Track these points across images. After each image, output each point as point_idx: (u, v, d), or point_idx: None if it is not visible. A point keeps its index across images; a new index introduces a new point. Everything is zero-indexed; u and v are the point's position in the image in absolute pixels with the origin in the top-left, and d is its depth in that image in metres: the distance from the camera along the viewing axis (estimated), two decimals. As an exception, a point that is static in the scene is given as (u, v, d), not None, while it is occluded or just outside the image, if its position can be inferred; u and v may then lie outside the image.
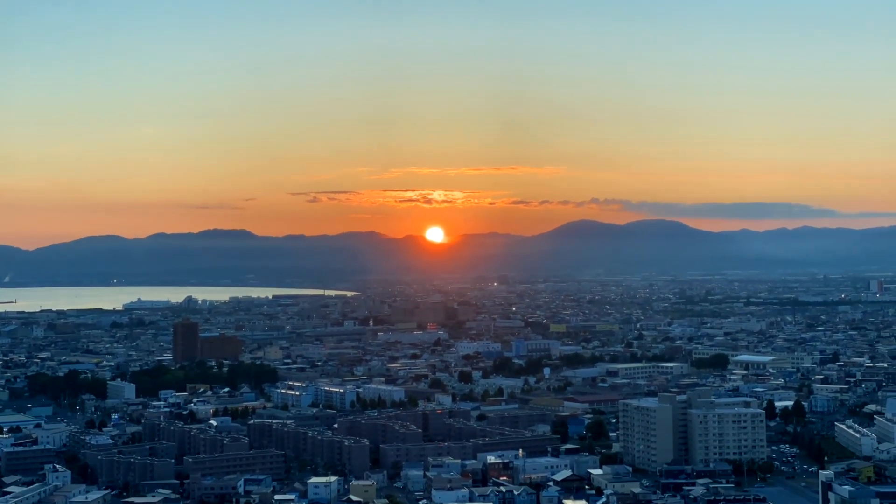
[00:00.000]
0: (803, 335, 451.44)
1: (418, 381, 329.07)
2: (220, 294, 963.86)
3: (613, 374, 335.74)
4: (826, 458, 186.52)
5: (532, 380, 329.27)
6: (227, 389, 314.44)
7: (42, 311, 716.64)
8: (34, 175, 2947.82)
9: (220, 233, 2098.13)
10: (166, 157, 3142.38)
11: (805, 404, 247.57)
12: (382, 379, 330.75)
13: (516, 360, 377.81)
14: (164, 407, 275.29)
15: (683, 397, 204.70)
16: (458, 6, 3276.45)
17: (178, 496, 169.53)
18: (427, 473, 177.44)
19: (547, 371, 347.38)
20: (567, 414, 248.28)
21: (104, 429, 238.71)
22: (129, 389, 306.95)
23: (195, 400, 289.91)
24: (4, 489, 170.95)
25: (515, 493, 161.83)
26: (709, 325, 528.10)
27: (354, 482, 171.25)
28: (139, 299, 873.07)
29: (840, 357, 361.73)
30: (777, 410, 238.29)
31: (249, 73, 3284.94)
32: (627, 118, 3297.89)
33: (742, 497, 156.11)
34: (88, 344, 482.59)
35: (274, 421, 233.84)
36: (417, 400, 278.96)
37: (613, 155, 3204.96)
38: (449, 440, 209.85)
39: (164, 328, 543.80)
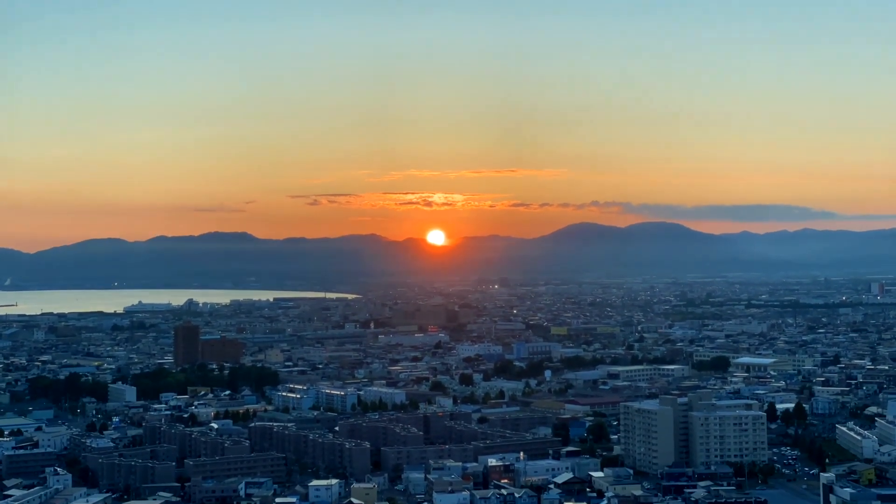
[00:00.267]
0: (804, 337, 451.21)
1: (419, 383, 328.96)
2: (220, 297, 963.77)
3: (614, 376, 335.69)
4: (827, 460, 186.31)
5: (533, 382, 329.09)
6: (227, 392, 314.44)
7: (43, 314, 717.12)
8: (35, 178, 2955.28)
9: (220, 235, 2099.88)
10: (167, 160, 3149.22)
11: (806, 406, 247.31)
12: (383, 381, 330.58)
13: (517, 363, 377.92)
14: (165, 410, 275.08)
15: (684, 399, 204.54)
16: (458, 9, 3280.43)
17: (178, 499, 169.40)
18: (428, 476, 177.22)
19: (548, 373, 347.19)
20: (568, 416, 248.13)
21: (105, 432, 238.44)
22: (129, 392, 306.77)
23: (196, 403, 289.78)
24: (5, 492, 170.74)
25: (517, 495, 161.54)
26: (710, 327, 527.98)
27: (355, 485, 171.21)
28: (140, 302, 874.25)
29: (841, 359, 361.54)
30: (778, 413, 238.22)
31: (250, 76, 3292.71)
32: (628, 121, 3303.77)
33: (743, 499, 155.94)
34: (89, 347, 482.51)
35: (275, 424, 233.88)
36: (418, 402, 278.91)
37: (614, 157, 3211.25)
38: (450, 443, 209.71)
39: (165, 331, 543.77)
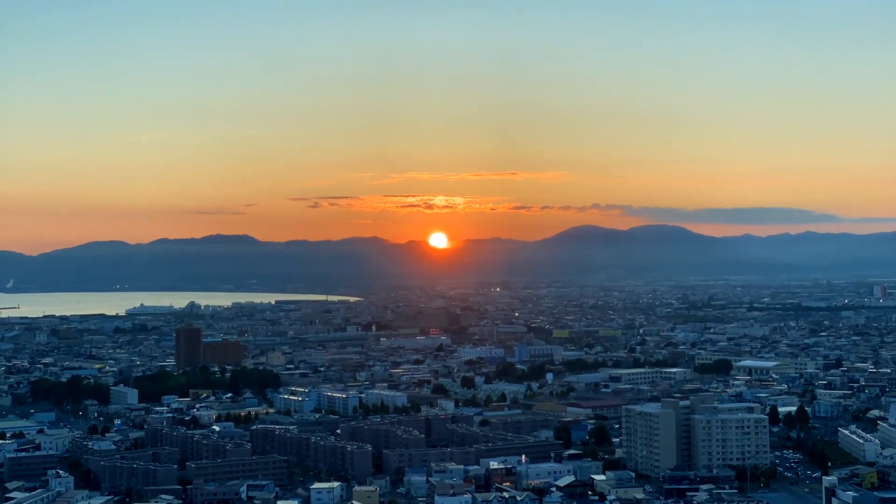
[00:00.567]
0: (806, 340, 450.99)
1: (421, 386, 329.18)
2: (222, 299, 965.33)
3: (616, 379, 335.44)
4: (829, 463, 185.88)
5: (535, 385, 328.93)
6: (229, 395, 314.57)
7: (45, 316, 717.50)
8: (37, 181, 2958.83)
9: (222, 238, 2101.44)
10: (169, 163, 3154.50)
11: (808, 410, 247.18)
12: (385, 384, 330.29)
13: (519, 366, 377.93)
14: (167, 412, 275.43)
15: (686, 403, 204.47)
16: (459, 11, 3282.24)
17: (180, 502, 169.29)
18: (430, 479, 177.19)
19: (550, 376, 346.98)
20: (570, 419, 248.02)
21: (107, 434, 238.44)
22: (131, 395, 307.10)
23: (198, 405, 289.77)
24: (7, 495, 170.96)
25: (518, 498, 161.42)
26: (712, 330, 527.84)
27: (357, 488, 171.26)
28: (142, 305, 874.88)
29: (843, 362, 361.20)
30: (780, 416, 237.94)
31: (252, 79, 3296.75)
32: (629, 123, 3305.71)
33: (745, 503, 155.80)
34: (91, 349, 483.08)
35: (277, 426, 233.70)
36: (420, 405, 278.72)
37: (615, 160, 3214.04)
38: (452, 446, 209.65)
39: (167, 333, 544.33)
